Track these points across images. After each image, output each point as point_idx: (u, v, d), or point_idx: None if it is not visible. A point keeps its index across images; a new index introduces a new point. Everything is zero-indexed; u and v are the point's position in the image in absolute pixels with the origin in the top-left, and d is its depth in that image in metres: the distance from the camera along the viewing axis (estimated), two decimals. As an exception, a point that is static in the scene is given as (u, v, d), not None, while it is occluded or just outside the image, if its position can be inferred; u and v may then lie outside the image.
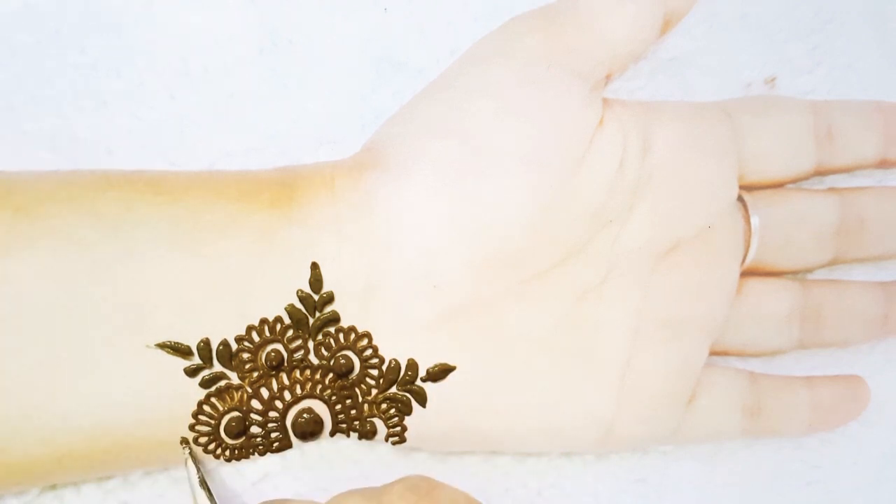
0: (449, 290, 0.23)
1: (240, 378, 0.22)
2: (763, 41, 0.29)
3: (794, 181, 0.27)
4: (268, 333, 0.22)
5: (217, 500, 0.23)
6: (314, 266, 0.22)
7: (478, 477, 0.27)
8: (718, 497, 0.28)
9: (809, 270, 0.28)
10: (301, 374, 0.23)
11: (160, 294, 0.21)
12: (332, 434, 0.24)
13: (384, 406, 0.23)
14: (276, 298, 0.22)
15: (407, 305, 0.23)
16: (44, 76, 0.26)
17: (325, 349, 0.23)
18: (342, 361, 0.23)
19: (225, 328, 0.22)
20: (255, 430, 0.23)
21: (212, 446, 0.23)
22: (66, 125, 0.26)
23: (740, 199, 0.26)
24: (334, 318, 0.22)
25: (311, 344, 0.23)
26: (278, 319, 0.22)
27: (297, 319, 0.22)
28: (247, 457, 0.23)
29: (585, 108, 0.23)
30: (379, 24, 0.28)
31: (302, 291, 0.22)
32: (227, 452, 0.23)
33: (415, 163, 0.22)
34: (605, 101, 0.24)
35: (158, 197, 0.22)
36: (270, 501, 0.22)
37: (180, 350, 0.22)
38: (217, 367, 0.22)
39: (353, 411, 0.23)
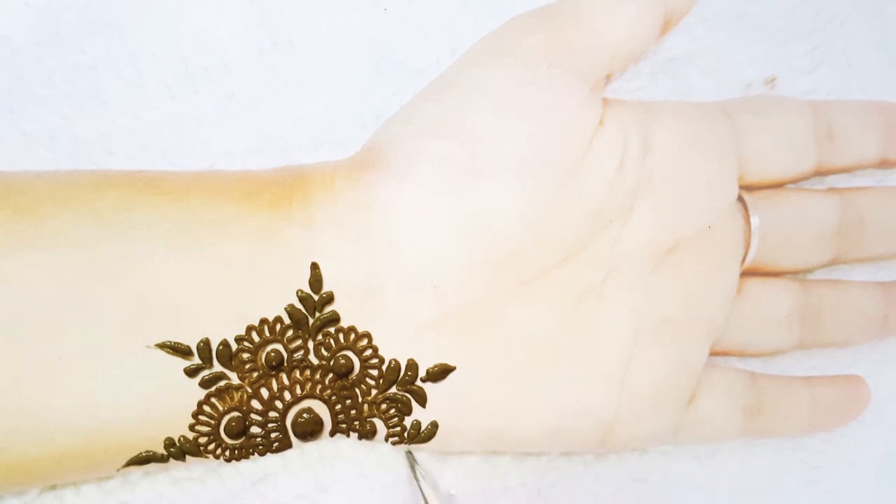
0: (449, 291, 0.23)
1: (240, 378, 0.22)
2: (763, 41, 0.29)
3: (794, 181, 0.27)
4: (268, 333, 0.22)
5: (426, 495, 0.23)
6: (314, 266, 0.22)
7: (478, 477, 0.27)
8: (718, 497, 0.28)
9: (809, 270, 0.28)
10: (301, 374, 0.23)
11: (160, 294, 0.21)
12: (332, 434, 0.24)
13: (384, 406, 0.23)
14: (276, 298, 0.22)
15: (407, 306, 0.23)
16: (44, 76, 0.26)
17: (325, 349, 0.23)
18: (342, 361, 0.23)
19: (225, 328, 0.22)
20: (255, 430, 0.23)
21: (212, 446, 0.23)
22: (66, 125, 0.26)
23: (740, 199, 0.26)
24: (334, 319, 0.22)
25: (311, 344, 0.23)
26: (278, 319, 0.22)
27: (297, 319, 0.22)
28: (247, 457, 0.23)
29: (585, 108, 0.23)
30: (379, 24, 0.28)
31: (302, 291, 0.22)
32: (227, 452, 0.23)
33: (415, 163, 0.22)
34: (605, 101, 0.24)
35: (158, 197, 0.22)
36: None
37: (180, 350, 0.22)
38: (217, 367, 0.22)
39: (353, 411, 0.23)
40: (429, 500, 0.23)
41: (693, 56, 0.29)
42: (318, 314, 0.22)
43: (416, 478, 0.24)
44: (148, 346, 0.21)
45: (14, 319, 0.21)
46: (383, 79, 0.28)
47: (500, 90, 0.23)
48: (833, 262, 0.28)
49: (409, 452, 0.24)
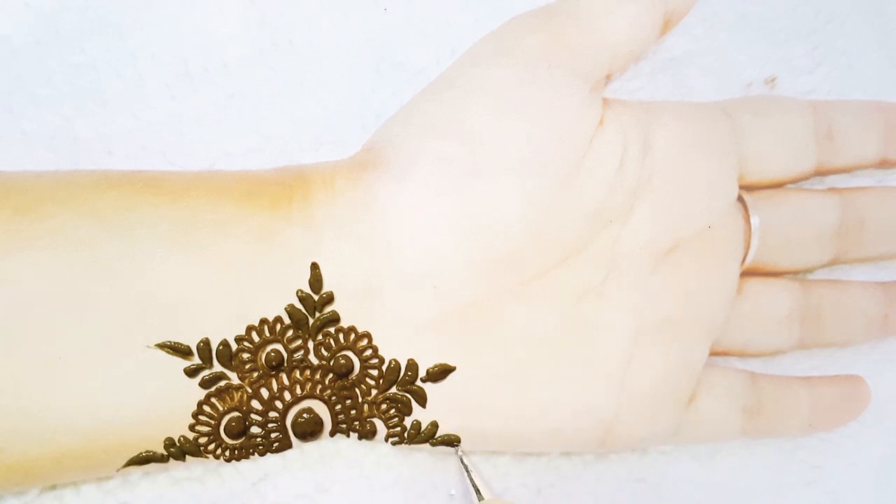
0: (449, 291, 0.23)
1: (240, 378, 0.22)
2: (763, 41, 0.29)
3: (794, 181, 0.27)
4: (268, 333, 0.22)
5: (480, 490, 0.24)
6: (314, 266, 0.22)
7: (478, 477, 0.27)
8: (718, 497, 0.28)
9: (809, 270, 0.28)
10: (301, 375, 0.23)
11: (160, 294, 0.21)
12: (332, 434, 0.24)
13: (384, 406, 0.23)
14: (276, 298, 0.22)
15: (407, 306, 0.23)
16: (44, 76, 0.26)
17: (325, 349, 0.23)
18: (342, 361, 0.23)
19: (225, 328, 0.22)
20: (255, 430, 0.23)
21: (212, 446, 0.23)
22: (66, 125, 0.26)
23: (740, 199, 0.26)
24: (334, 319, 0.22)
25: (311, 344, 0.23)
26: (278, 319, 0.22)
27: (297, 319, 0.22)
28: (247, 457, 0.23)
29: (585, 108, 0.23)
30: (379, 24, 0.28)
31: (302, 291, 0.22)
32: (227, 452, 0.23)
33: (415, 163, 0.22)
34: (605, 101, 0.24)
35: (158, 197, 0.22)
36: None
37: (180, 350, 0.22)
38: (217, 367, 0.22)
39: (353, 411, 0.23)
40: (484, 495, 0.24)
41: (693, 56, 0.29)
42: (318, 314, 0.22)
43: (470, 479, 0.24)
44: (148, 346, 0.21)
45: (14, 319, 0.21)
46: (383, 79, 0.28)
47: (500, 90, 0.23)
48: (833, 262, 0.28)
49: (458, 448, 0.24)
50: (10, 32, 0.26)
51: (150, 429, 0.22)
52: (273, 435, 0.23)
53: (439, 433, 0.24)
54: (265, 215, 0.22)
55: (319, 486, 0.26)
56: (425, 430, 0.24)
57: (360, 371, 0.23)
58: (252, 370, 0.22)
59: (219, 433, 0.23)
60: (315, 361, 0.23)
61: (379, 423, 0.24)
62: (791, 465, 0.28)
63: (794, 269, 0.27)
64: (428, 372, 0.23)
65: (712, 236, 0.25)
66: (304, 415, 0.23)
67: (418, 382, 0.23)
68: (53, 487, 0.25)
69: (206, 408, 0.22)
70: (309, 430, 0.23)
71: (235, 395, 0.22)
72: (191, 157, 0.27)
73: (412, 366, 0.23)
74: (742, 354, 0.28)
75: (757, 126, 0.26)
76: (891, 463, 0.29)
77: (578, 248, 0.24)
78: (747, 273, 0.27)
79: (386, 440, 0.24)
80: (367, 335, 0.23)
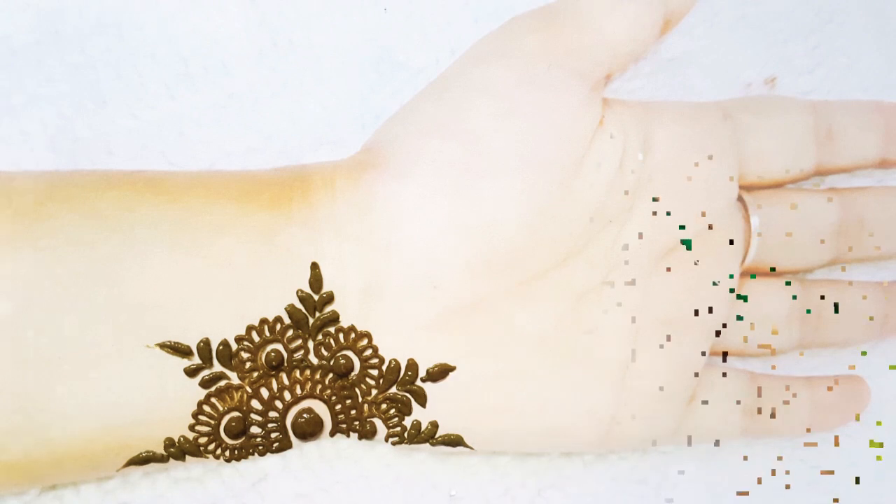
0: (449, 291, 0.23)
1: (240, 378, 0.22)
2: (763, 41, 0.29)
3: (794, 181, 0.27)
4: (268, 333, 0.22)
5: None
6: (314, 266, 0.22)
7: (478, 477, 0.27)
8: (718, 497, 0.28)
9: (809, 270, 0.28)
10: (301, 374, 0.23)
11: (160, 294, 0.21)
12: (332, 434, 0.24)
13: (384, 406, 0.23)
14: (276, 298, 0.22)
15: (407, 305, 0.23)
16: (44, 76, 0.26)
17: (325, 349, 0.23)
18: (342, 361, 0.23)
19: (225, 328, 0.22)
20: (255, 430, 0.23)
21: (212, 446, 0.23)
22: (66, 125, 0.26)
23: (740, 199, 0.26)
24: (334, 318, 0.22)
25: (311, 344, 0.23)
26: (278, 319, 0.22)
27: (297, 319, 0.22)
28: (247, 457, 0.23)
29: (585, 108, 0.23)
30: (379, 24, 0.28)
31: (302, 291, 0.22)
32: (227, 452, 0.23)
33: (414, 163, 0.22)
34: (605, 101, 0.24)
35: (158, 197, 0.22)
36: None
37: (180, 350, 0.22)
38: (217, 367, 0.22)
39: (353, 411, 0.23)
40: None
41: (693, 56, 0.29)
42: (318, 314, 0.22)
43: None
44: (148, 346, 0.21)
45: (14, 319, 0.21)
46: (383, 79, 0.28)
47: (499, 90, 0.23)
48: (833, 262, 0.28)
49: None
50: (10, 32, 0.26)
51: (150, 429, 0.22)
52: (273, 435, 0.23)
53: (439, 433, 0.24)
54: (265, 215, 0.22)
55: (319, 486, 0.26)
56: (425, 430, 0.24)
57: (360, 371, 0.23)
58: (252, 370, 0.22)
59: (219, 433, 0.23)
60: (315, 361, 0.23)
61: (379, 423, 0.24)
62: (791, 465, 0.28)
63: (794, 269, 0.27)
64: (428, 372, 0.23)
65: (712, 236, 0.25)
66: (304, 415, 0.23)
67: (418, 382, 0.23)
68: (53, 487, 0.25)
69: (206, 408, 0.22)
70: (309, 430, 0.23)
71: (235, 395, 0.22)
72: (191, 157, 0.27)
73: (412, 366, 0.23)
74: (742, 354, 0.28)
75: (757, 126, 0.26)
76: (891, 463, 0.29)
77: (578, 248, 0.24)
78: (747, 273, 0.27)
79: (386, 440, 0.24)
80: (367, 335, 0.23)
